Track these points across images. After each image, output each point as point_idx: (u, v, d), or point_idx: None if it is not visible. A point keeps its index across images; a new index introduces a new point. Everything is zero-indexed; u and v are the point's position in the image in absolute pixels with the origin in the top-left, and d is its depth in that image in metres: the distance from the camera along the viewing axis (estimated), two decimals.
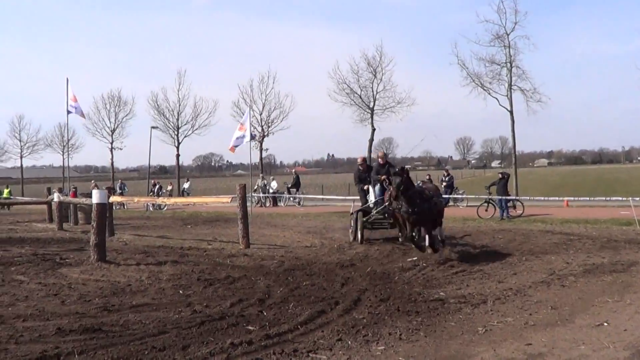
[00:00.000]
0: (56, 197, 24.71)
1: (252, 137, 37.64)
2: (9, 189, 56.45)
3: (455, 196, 36.88)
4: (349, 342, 7.57)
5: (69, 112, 32.98)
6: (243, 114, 44.20)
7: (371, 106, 50.06)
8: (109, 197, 16.65)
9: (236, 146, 32.80)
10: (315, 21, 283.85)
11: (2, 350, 7.23)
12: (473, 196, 33.85)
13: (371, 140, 50.21)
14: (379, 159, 18.20)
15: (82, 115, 33.84)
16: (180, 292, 10.83)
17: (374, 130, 49.83)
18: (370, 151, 50.74)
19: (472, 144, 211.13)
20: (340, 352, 7.20)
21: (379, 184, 17.54)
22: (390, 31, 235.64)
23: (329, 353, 7.18)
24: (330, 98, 51.85)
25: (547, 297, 10.07)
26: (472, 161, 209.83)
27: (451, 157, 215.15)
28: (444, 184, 37.32)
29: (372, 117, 49.92)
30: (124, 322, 8.57)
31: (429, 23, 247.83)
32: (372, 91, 50.32)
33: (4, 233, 23.34)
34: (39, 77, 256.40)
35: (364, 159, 19.16)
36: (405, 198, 14.16)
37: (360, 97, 50.50)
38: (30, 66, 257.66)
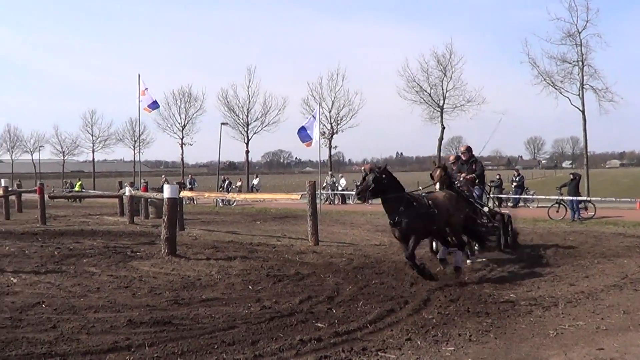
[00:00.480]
0: (128, 191, 25.11)
1: (322, 134, 37.86)
2: (80, 182, 57.77)
3: (526, 197, 36.48)
4: (419, 342, 7.53)
5: (153, 107, 33.35)
6: (312, 111, 44.46)
7: (441, 104, 49.73)
8: (179, 192, 16.87)
9: (309, 139, 32.90)
10: (385, 19, 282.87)
11: (74, 340, 7.39)
12: (544, 197, 33.39)
13: (441, 139, 49.95)
14: (461, 155, 16.33)
15: (154, 106, 34.07)
16: (250, 287, 10.92)
17: (443, 128, 49.50)
18: (439, 150, 50.60)
19: (542, 143, 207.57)
20: (410, 352, 7.15)
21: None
22: (461, 29, 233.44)
23: (398, 352, 7.14)
24: (399, 96, 51.66)
25: (620, 301, 9.83)
26: (543, 161, 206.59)
27: (521, 156, 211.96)
28: (515, 184, 37.01)
29: (441, 116, 49.57)
30: (194, 315, 8.69)
31: (499, 20, 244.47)
32: (442, 89, 49.96)
33: (76, 225, 23.88)
34: (111, 72, 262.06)
35: (457, 157, 16.94)
36: (383, 204, 11.71)
37: (430, 95, 50.21)
38: (103, 62, 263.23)
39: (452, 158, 17.07)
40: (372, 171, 11.54)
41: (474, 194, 15.22)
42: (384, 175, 11.46)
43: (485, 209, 15.28)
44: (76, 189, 53.55)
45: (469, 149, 16.16)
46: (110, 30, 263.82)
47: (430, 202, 11.89)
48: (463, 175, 15.44)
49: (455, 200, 12.72)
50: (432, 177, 13.98)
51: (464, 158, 16.01)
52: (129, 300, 9.76)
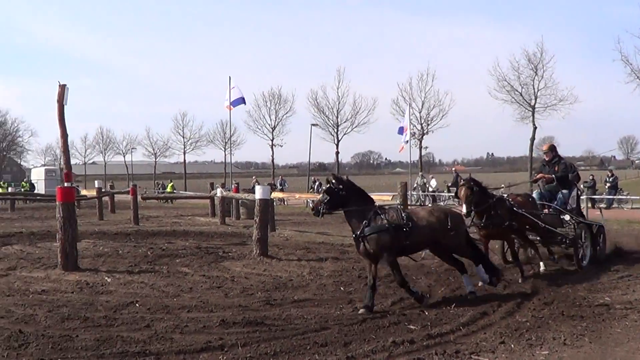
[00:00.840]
0: (219, 192, 25.53)
1: (413, 135, 37.95)
2: (172, 183, 59.01)
3: (620, 197, 35.66)
4: (512, 345, 7.48)
5: (236, 103, 33.73)
6: (402, 112, 44.44)
7: (532, 104, 49.20)
8: (270, 193, 17.03)
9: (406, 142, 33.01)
10: (475, 18, 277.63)
11: (168, 340, 7.57)
12: (638, 198, 32.46)
13: (532, 139, 49.48)
14: (544, 155, 14.65)
15: (237, 102, 34.47)
16: (342, 288, 10.97)
17: (535, 128, 48.95)
18: (531, 150, 50.18)
19: (636, 142, 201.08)
20: (503, 355, 7.12)
21: (538, 188, 14.57)
22: (551, 27, 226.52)
23: (491, 355, 7.12)
24: (490, 96, 51.32)
25: None
26: (637, 161, 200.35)
27: (614, 156, 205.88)
28: (608, 184, 36.35)
29: (533, 115, 49.05)
30: (286, 316, 8.81)
31: (590, 18, 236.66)
32: (533, 88, 49.43)
33: (168, 226, 24.41)
34: (202, 75, 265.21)
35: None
36: (346, 218, 10.30)
37: (521, 95, 49.76)
38: (193, 64, 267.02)
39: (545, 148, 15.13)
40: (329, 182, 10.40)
41: (558, 199, 13.94)
42: (341, 186, 10.12)
43: (567, 217, 13.87)
44: (168, 190, 54.76)
45: (552, 148, 14.43)
46: (201, 33, 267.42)
47: (404, 215, 10.22)
48: (540, 175, 14.38)
49: (446, 217, 10.56)
50: (457, 196, 12.67)
51: (546, 158, 14.40)
52: (222, 301, 9.94)
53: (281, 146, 70.89)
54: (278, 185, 47.25)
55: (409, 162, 40.21)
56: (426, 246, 10.76)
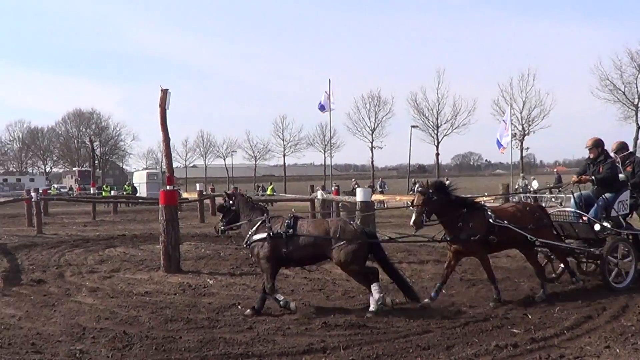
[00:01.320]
0: (319, 194, 25.71)
1: (513, 136, 37.68)
2: (272, 186, 59.74)
3: None
4: (617, 350, 7.40)
5: (323, 108, 34.07)
6: (503, 113, 44.02)
7: (635, 103, 48.27)
8: (371, 196, 17.10)
9: (501, 146, 32.76)
10: (575, 17, 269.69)
11: (270, 342, 7.77)
12: None
13: (636, 139, 48.69)
14: (589, 152, 12.24)
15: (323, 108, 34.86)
16: (443, 291, 10.88)
17: (638, 128, 47.97)
18: (634, 150, 49.17)
19: None
20: None
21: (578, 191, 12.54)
22: None
23: None
24: (592, 95, 50.57)
25: None
26: None
27: None
28: None
29: (636, 115, 48.31)
30: (388, 319, 8.86)
31: None
32: (637, 87, 48.62)
33: None
34: (301, 78, 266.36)
35: (621, 146, 13.31)
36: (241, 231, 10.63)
37: (624, 94, 48.88)
38: (293, 68, 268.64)
39: (614, 146, 13.18)
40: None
41: (597, 204, 11.80)
42: (231, 202, 10.61)
43: (597, 227, 11.47)
44: (268, 192, 55.41)
45: (597, 144, 12.10)
46: (301, 36, 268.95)
47: (288, 222, 10.05)
48: (573, 178, 12.43)
49: (335, 229, 9.84)
50: (411, 204, 10.95)
51: (591, 156, 12.14)
52: (323, 303, 10.12)
53: (381, 148, 71.66)
54: (378, 187, 47.28)
55: (510, 163, 39.74)
56: (316, 257, 10.23)
